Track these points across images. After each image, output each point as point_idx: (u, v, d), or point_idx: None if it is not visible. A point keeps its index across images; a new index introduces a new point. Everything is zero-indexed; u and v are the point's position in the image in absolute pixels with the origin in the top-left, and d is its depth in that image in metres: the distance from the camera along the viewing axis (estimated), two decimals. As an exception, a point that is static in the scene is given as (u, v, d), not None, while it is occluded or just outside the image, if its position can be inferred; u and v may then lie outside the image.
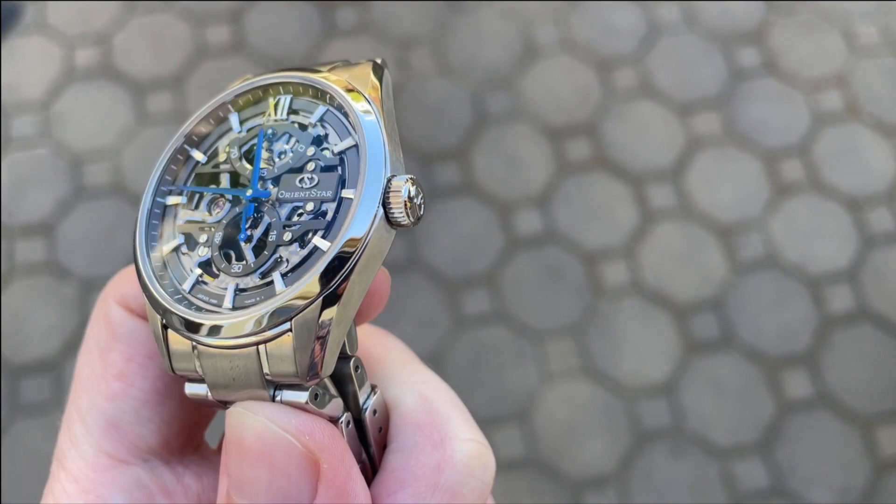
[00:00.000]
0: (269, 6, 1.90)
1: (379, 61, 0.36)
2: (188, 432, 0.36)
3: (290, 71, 0.37)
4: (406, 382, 0.35)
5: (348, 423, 0.33)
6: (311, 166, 0.34)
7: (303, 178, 0.33)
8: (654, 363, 1.58)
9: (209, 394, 0.33)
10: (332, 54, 1.86)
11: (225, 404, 0.33)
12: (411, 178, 0.32)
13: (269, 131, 0.35)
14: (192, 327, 0.32)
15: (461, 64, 1.84)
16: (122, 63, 1.84)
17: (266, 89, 0.37)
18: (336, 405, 0.32)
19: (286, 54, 1.84)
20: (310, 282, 0.30)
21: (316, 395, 0.31)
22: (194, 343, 0.32)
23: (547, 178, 1.72)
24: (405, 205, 0.31)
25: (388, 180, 0.32)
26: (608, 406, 1.54)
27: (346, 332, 0.32)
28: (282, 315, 0.30)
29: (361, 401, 0.34)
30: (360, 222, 0.31)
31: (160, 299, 0.33)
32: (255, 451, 0.29)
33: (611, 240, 1.67)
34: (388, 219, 0.31)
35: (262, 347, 0.31)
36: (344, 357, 0.34)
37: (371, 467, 0.35)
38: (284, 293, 0.31)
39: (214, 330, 0.31)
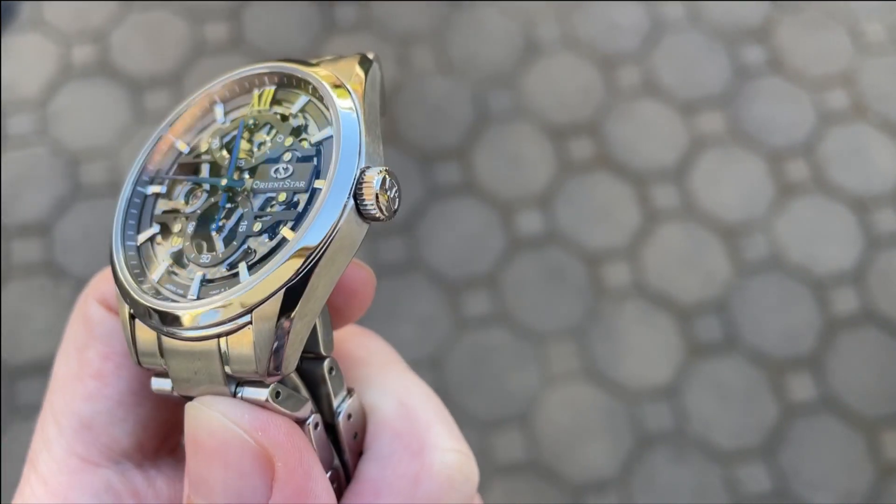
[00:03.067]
0: (268, 3, 1.88)
1: (370, 56, 0.35)
2: (164, 434, 0.35)
3: (278, 62, 0.36)
4: (386, 387, 0.33)
5: (317, 425, 0.32)
6: (287, 156, 0.33)
7: (278, 169, 0.33)
8: (656, 366, 1.56)
9: (173, 389, 0.32)
10: (332, 52, 1.84)
11: (189, 400, 0.31)
12: (385, 170, 0.31)
13: (251, 122, 0.35)
14: (154, 316, 0.31)
15: (462, 62, 1.82)
16: (119, 60, 1.83)
17: (252, 80, 0.36)
18: (303, 406, 0.31)
19: (285, 52, 1.82)
20: (272, 273, 0.29)
21: (278, 394, 0.29)
22: (158, 333, 0.31)
23: (549, 177, 1.71)
24: (377, 197, 0.30)
25: (362, 172, 0.30)
26: (610, 409, 1.53)
27: (310, 327, 0.30)
28: (242, 307, 0.29)
29: (335, 404, 0.33)
30: (328, 213, 0.29)
31: (129, 288, 0.32)
32: (209, 447, 0.28)
33: (613, 240, 1.65)
34: (360, 211, 0.30)
35: (222, 341, 0.29)
36: (318, 358, 0.33)
37: (345, 475, 0.33)
38: (246, 284, 0.29)
39: (175, 320, 0.30)
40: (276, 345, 0.29)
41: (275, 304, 0.28)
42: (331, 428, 0.33)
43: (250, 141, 0.34)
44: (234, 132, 0.35)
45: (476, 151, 1.73)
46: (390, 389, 0.33)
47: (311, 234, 0.29)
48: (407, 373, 0.35)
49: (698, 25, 1.86)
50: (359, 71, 0.34)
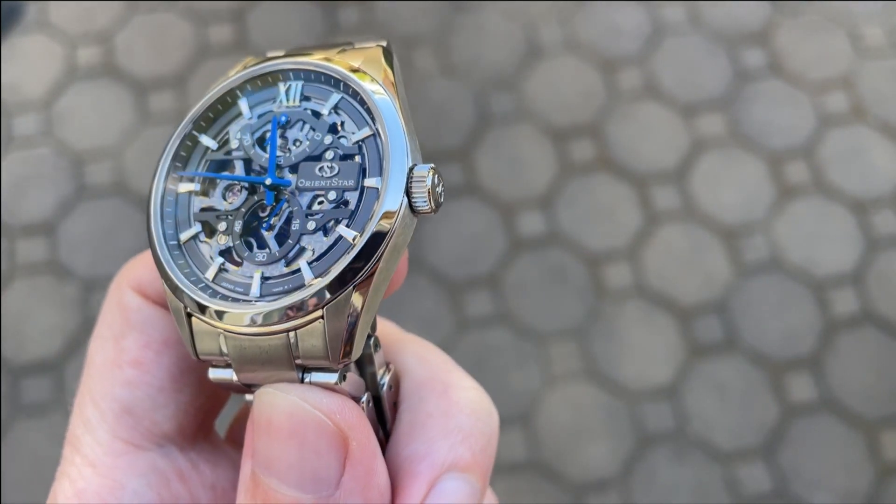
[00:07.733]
0: (272, 5, 1.89)
1: (384, 44, 0.36)
2: (202, 419, 0.37)
3: (298, 56, 0.37)
4: (406, 349, 0.37)
5: (369, 402, 0.34)
6: (329, 155, 0.34)
7: (322, 167, 0.34)
8: (657, 366, 1.57)
9: (235, 378, 0.33)
10: (335, 54, 1.85)
11: (251, 388, 0.33)
12: (433, 168, 0.33)
13: (283, 118, 0.36)
14: (222, 316, 0.32)
15: (464, 64, 1.84)
16: (124, 62, 1.84)
17: (276, 75, 0.37)
18: (358, 385, 0.33)
19: (289, 54, 1.83)
20: (341, 271, 0.31)
21: (343, 377, 0.32)
22: (222, 331, 0.33)
23: (550, 179, 1.72)
24: (429, 193, 0.32)
25: (411, 169, 0.33)
26: (611, 409, 1.53)
27: (374, 315, 0.33)
28: (315, 303, 0.31)
29: (379, 377, 0.36)
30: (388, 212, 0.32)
31: (183, 287, 0.33)
32: (285, 429, 0.29)
33: (614, 241, 1.66)
34: (412, 207, 0.32)
35: (292, 334, 0.31)
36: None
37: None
38: (317, 282, 0.31)
39: (246, 319, 0.32)
40: (346, 335, 0.31)
41: (346, 298, 0.31)
42: (376, 400, 0.35)
43: (284, 137, 0.35)
44: (266, 128, 0.36)
45: (478, 153, 1.74)
46: (410, 349, 0.37)
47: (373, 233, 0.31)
48: (422, 340, 0.39)
49: (699, 29, 1.87)
50: (386, 66, 0.35)
